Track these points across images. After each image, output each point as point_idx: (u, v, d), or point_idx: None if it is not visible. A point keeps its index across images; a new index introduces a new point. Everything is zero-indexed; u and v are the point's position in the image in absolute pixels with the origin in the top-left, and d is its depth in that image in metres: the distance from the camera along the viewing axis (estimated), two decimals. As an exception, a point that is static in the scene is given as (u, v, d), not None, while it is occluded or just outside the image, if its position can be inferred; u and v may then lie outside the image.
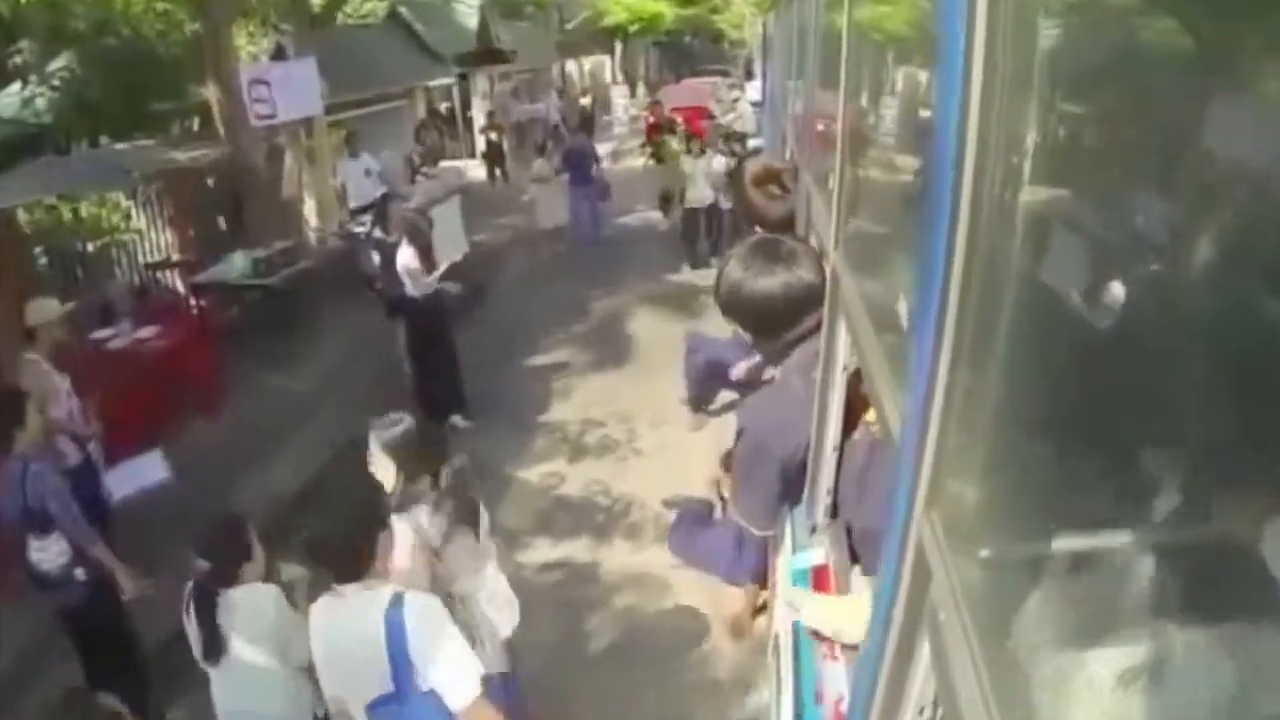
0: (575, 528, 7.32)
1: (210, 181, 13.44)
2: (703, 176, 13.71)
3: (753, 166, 4.07)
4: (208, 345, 9.84)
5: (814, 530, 3.04)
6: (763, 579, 5.52)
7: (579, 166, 15.34)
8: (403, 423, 3.99)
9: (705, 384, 8.84)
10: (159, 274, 12.59)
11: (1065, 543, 1.26)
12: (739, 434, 3.05)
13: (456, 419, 8.98)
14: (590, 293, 13.16)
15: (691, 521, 6.47)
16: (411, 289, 8.59)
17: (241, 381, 9.90)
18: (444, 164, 18.82)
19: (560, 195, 15.60)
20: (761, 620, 5.30)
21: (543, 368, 10.72)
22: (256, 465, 8.23)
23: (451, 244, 13.72)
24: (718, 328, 9.56)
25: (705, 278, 13.08)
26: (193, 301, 11.88)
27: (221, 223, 13.70)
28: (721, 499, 5.64)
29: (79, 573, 4.99)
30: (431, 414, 8.28)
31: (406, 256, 8.54)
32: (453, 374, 9.11)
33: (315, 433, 8.86)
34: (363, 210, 13.75)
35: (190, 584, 4.05)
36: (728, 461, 5.47)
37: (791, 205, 4.12)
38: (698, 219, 14.08)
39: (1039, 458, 1.28)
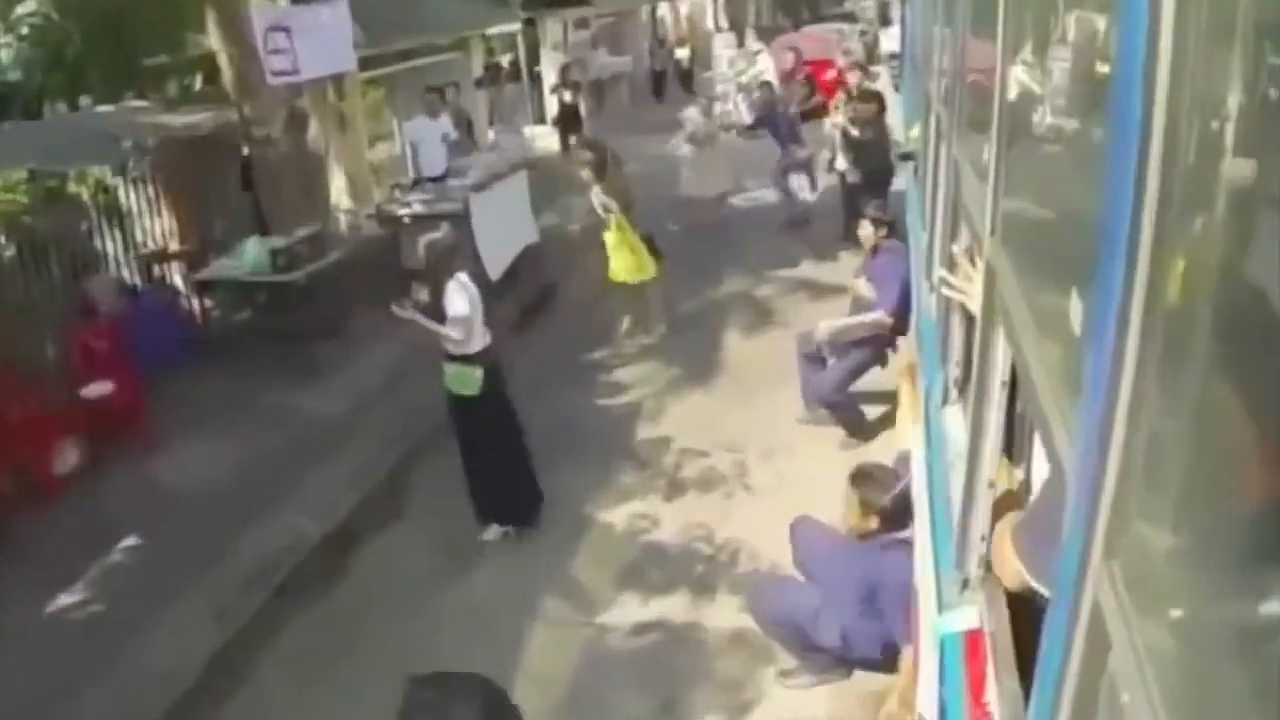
0: (671, 581, 7.33)
1: (216, 154, 13.27)
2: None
3: None
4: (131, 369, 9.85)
5: (965, 585, 3.01)
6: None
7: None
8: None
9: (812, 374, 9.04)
10: (154, 267, 12.76)
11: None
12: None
13: (497, 530, 8.13)
14: (689, 291, 13.14)
15: (779, 581, 6.49)
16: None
17: (249, 402, 10.12)
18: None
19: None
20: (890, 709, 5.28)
21: (627, 385, 10.80)
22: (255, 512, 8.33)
23: (518, 229, 13.85)
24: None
25: (828, 272, 13.03)
26: (195, 302, 12.22)
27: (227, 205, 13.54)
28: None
29: None
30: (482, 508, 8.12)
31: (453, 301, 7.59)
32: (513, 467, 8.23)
33: (337, 472, 9.02)
34: (428, 182, 13.81)
35: None
36: (870, 496, 5.48)
37: None
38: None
39: (1250, 490, 1.25)
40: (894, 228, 8.92)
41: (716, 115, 18.12)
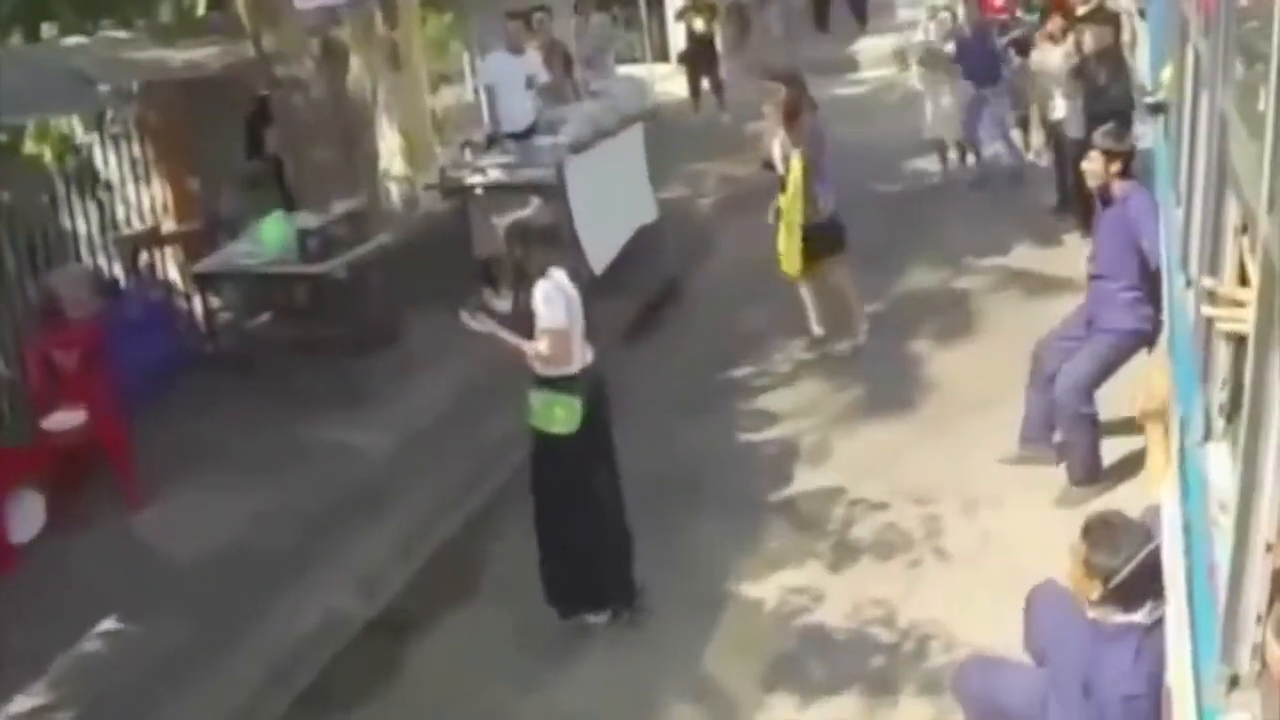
0: (838, 678, 7.31)
1: (225, 102, 13.45)
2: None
3: None
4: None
5: (1234, 684, 2.99)
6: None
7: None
8: None
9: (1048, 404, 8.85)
10: (141, 255, 12.99)
11: None
12: None
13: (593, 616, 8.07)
14: (862, 284, 12.89)
15: (996, 660, 6.41)
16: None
17: (267, 437, 10.25)
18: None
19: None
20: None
21: (779, 413, 10.80)
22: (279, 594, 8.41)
23: (630, 204, 13.92)
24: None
25: (1049, 260, 12.90)
26: (196, 301, 12.25)
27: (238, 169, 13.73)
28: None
29: None
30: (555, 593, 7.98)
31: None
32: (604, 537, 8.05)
33: (386, 532, 9.06)
34: (509, 140, 13.69)
35: None
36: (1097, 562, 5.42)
37: None
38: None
39: None
40: (1129, 163, 8.64)
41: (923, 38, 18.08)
